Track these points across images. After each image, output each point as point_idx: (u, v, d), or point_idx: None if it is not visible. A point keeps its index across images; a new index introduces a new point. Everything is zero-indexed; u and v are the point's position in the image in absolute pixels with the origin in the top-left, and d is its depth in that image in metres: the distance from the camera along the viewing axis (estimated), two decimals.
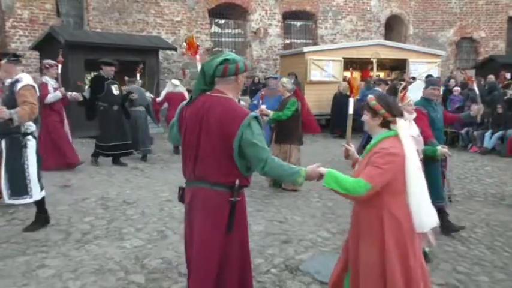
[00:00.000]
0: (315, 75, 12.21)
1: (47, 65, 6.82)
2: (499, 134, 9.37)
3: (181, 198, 2.66)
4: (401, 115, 2.56)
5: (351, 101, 3.08)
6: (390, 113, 2.53)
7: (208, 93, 2.53)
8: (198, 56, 3.40)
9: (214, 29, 15.63)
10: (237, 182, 2.46)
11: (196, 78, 2.65)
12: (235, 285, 2.53)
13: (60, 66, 6.87)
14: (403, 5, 17.67)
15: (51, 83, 6.71)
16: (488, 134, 9.55)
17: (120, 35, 12.10)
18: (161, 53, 12.86)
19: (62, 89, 6.84)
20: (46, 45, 10.90)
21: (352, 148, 2.88)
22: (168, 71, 14.05)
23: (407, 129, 2.56)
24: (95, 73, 11.16)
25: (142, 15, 13.94)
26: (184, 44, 3.62)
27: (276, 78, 7.99)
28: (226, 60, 2.46)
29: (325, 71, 12.34)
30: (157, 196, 5.68)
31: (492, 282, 3.62)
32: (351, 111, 3.05)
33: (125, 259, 3.79)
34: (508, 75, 12.89)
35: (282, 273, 3.65)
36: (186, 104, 2.61)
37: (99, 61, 7.46)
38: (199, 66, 2.82)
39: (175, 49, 13.02)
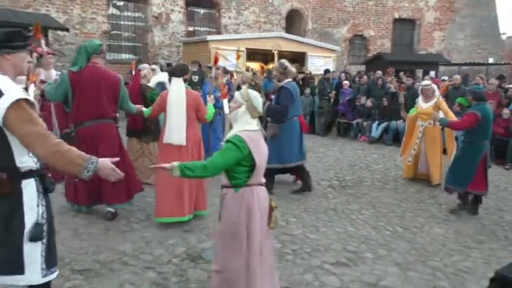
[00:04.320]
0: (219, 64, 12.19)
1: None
2: (384, 124, 10.33)
3: (73, 139, 4.11)
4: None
5: (214, 68, 5.75)
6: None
7: (90, 64, 4.21)
8: (42, 41, 4.96)
9: (112, 10, 14.71)
10: (117, 115, 4.57)
11: (78, 56, 4.22)
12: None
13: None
14: (302, 0, 18.42)
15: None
16: (375, 124, 10.46)
17: (1, 11, 10.78)
18: (51, 34, 11.77)
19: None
20: None
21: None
22: (60, 54, 12.92)
23: (174, 87, 4.33)
24: None
25: None
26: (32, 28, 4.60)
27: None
28: (101, 44, 4.32)
29: (229, 60, 12.41)
30: None
31: (376, 258, 4.00)
32: (213, 74, 5.92)
33: None
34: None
35: (184, 262, 3.63)
36: (74, 72, 4.15)
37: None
38: (44, 47, 5.20)
39: (67, 30, 12.02)
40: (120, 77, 4.47)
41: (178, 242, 4.04)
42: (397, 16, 19.50)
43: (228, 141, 2.63)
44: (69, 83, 4.16)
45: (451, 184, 5.48)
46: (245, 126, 2.69)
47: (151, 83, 5.92)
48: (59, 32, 12.48)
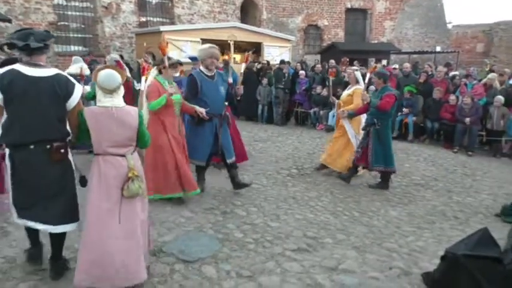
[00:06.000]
0: (173, 55, 11.92)
1: None
2: None
3: None
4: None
5: (165, 57, 4.75)
6: None
7: None
8: None
9: (58, 0, 14.02)
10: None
11: None
12: None
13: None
14: None
15: None
16: (331, 113, 10.67)
17: None
18: None
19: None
20: None
21: None
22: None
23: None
24: None
25: None
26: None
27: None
28: None
29: (183, 51, 12.19)
30: None
31: (335, 242, 4.11)
32: (166, 61, 4.77)
33: None
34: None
35: None
36: None
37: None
38: None
39: (9, 20, 11.35)
40: None
41: None
42: (349, 6, 19.88)
43: None
44: None
45: (380, 165, 5.77)
46: (98, 103, 3.02)
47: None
48: (0, 24, 11.76)
